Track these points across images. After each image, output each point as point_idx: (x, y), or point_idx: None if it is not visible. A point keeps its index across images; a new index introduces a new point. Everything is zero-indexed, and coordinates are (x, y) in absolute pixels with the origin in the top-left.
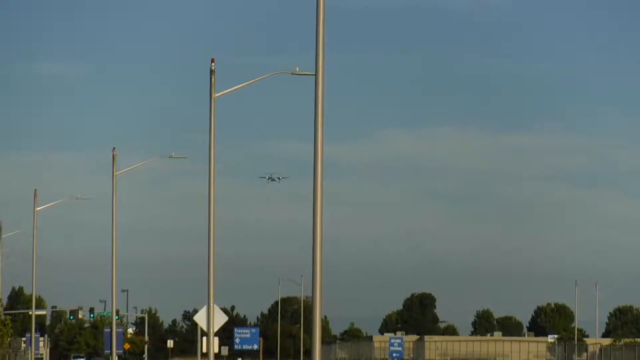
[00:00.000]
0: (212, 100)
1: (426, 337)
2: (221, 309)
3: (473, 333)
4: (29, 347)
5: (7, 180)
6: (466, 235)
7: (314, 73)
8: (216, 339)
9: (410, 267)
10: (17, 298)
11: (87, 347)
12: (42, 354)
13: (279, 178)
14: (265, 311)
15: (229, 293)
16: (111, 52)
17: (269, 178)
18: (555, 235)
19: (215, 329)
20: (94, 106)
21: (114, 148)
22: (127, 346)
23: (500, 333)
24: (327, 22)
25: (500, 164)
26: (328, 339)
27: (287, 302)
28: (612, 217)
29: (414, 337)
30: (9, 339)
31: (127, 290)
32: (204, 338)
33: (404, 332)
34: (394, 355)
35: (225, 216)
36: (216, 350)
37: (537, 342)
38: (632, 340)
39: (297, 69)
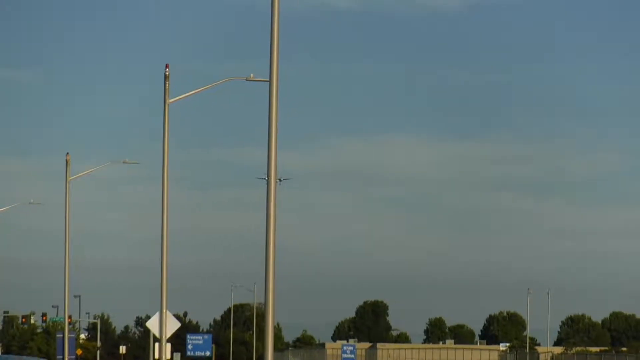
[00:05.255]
0: (166, 105)
1: (379, 345)
2: (174, 315)
3: (425, 341)
4: None
5: None
6: (419, 244)
7: (268, 80)
8: (168, 345)
9: (363, 275)
10: None
11: (40, 353)
12: None
13: (279, 180)
14: (218, 318)
15: (181, 299)
16: (64, 58)
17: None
18: (507, 244)
19: (168, 335)
20: (47, 112)
21: (67, 153)
22: (79, 352)
23: (452, 341)
24: (282, 30)
25: (452, 173)
26: (280, 345)
27: (240, 309)
28: (563, 227)
29: (367, 345)
30: None
31: (80, 296)
32: (157, 344)
33: (356, 340)
34: None
35: (179, 222)
36: (168, 357)
37: (489, 350)
38: (584, 348)
39: (252, 76)
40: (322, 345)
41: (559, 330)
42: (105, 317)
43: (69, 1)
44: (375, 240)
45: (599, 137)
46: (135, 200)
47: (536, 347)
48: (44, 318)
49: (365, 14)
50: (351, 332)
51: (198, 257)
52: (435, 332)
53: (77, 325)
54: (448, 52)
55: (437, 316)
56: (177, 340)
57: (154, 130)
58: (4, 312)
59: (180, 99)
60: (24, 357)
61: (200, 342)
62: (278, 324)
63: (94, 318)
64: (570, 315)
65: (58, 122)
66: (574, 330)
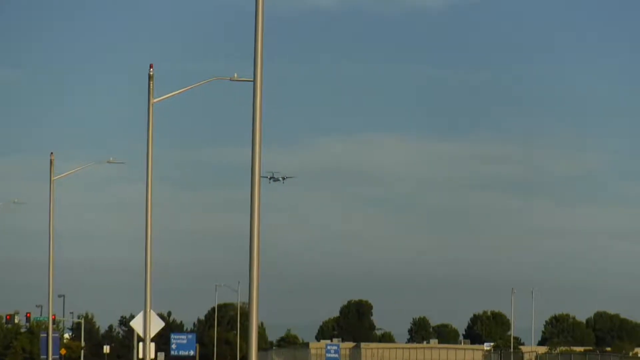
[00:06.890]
0: (151, 105)
1: (363, 344)
2: (158, 314)
3: (409, 340)
4: None
5: None
6: (403, 243)
7: (252, 79)
8: (152, 345)
9: (347, 274)
10: None
11: (23, 352)
12: None
13: (283, 178)
14: (202, 317)
15: (165, 299)
16: (48, 58)
17: (270, 178)
18: (491, 243)
19: (152, 335)
20: (32, 111)
21: (51, 153)
22: (63, 351)
23: (436, 341)
24: (266, 29)
25: (437, 172)
26: (264, 345)
27: (224, 309)
28: (548, 226)
29: (351, 344)
30: None
31: (64, 296)
32: (141, 343)
33: (340, 339)
34: None
35: (163, 222)
36: (152, 356)
37: (473, 349)
38: (568, 348)
39: (236, 75)
40: (306, 344)
41: (543, 329)
42: (90, 317)
43: (52, 1)
44: (360, 240)
45: (583, 137)
46: (120, 200)
47: (520, 347)
48: (28, 315)
49: (348, 13)
50: (335, 332)
51: (182, 256)
52: (420, 331)
53: (61, 324)
54: (432, 51)
55: (421, 315)
56: (161, 340)
57: (139, 130)
58: None
59: (164, 98)
60: None
61: (184, 341)
62: (262, 324)
63: (78, 317)
64: (555, 315)
65: (42, 121)
66: (559, 330)
